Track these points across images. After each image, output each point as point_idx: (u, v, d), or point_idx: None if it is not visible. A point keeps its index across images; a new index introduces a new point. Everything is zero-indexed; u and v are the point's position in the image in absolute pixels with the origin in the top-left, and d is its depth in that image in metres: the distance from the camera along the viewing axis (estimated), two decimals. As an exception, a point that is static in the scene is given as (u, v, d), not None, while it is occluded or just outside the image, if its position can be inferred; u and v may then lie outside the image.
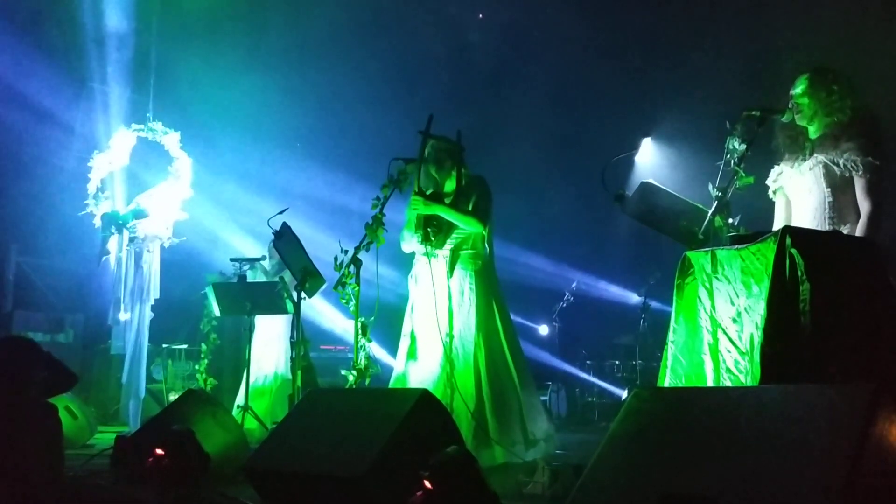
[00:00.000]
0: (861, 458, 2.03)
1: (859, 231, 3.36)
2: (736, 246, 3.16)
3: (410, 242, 4.79)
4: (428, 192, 4.76)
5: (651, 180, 3.60)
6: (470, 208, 4.71)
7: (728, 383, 3.10)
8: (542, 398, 7.30)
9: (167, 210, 7.00)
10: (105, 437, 5.92)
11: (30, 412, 3.48)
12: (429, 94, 9.45)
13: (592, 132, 9.53)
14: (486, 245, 4.79)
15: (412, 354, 4.72)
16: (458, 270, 4.71)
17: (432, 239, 4.67)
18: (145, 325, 6.59)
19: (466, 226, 4.70)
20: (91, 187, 6.98)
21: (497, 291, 4.82)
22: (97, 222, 6.84)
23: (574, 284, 10.05)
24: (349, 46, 9.67)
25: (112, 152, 7.16)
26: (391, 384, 4.73)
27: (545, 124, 10.09)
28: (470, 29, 10.69)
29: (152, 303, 6.69)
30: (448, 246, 4.73)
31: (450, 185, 4.82)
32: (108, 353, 7.21)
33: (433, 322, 4.60)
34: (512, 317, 4.91)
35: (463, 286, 4.69)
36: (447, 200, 4.74)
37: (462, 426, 4.33)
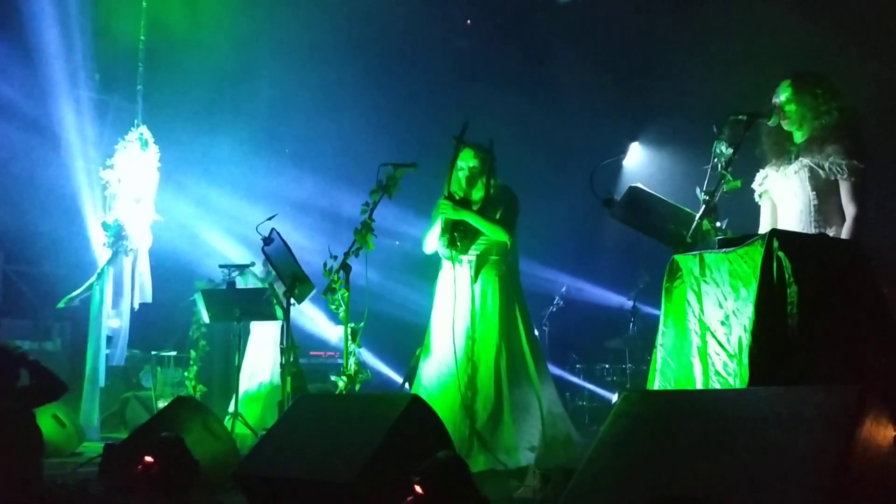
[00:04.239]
0: (848, 458, 2.05)
1: (845, 234, 3.38)
2: (724, 249, 3.17)
3: (432, 243, 4.83)
4: (457, 198, 4.77)
5: (639, 184, 3.61)
6: (497, 217, 4.74)
7: (717, 386, 3.12)
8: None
9: (144, 213, 7.12)
10: (93, 445, 5.90)
11: (10, 418, 3.47)
12: (419, 98, 9.44)
13: (581, 136, 9.55)
14: (510, 254, 4.82)
15: (427, 352, 4.78)
16: (482, 276, 4.75)
17: (458, 244, 4.71)
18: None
19: (493, 234, 4.74)
20: (113, 203, 7.29)
21: (521, 299, 4.86)
22: (101, 235, 6.97)
23: (563, 288, 10.03)
24: (338, 52, 9.66)
25: (118, 168, 7.33)
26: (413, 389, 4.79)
27: (534, 128, 10.10)
28: (459, 34, 10.70)
29: (136, 307, 6.78)
30: (473, 252, 4.77)
31: (478, 193, 4.84)
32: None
33: (458, 325, 4.62)
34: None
35: (486, 291, 4.73)
36: (475, 207, 4.77)
37: (483, 429, 4.39)
